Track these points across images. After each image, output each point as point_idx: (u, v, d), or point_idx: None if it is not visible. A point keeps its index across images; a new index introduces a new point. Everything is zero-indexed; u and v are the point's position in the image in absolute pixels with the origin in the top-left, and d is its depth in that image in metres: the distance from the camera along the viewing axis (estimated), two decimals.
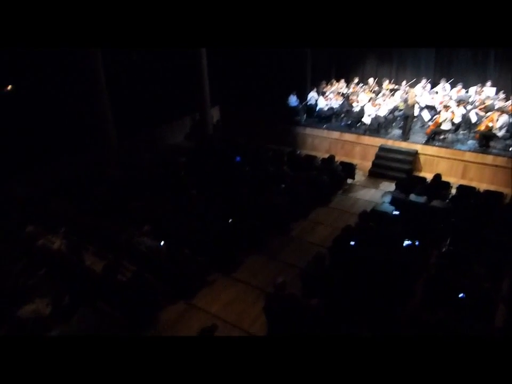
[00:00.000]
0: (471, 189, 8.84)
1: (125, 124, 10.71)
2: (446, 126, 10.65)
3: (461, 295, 5.06)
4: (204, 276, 6.46)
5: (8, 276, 5.63)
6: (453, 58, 12.80)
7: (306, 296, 5.55)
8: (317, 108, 12.89)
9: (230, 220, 7.14)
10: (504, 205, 8.39)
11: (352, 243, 6.30)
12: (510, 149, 10.10)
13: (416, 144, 10.91)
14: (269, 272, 6.63)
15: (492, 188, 9.32)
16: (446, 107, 10.72)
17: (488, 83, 11.87)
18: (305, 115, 13.14)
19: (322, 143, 12.37)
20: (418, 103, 11.48)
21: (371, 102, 11.80)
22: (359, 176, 10.77)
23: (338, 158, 10.63)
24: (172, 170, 9.65)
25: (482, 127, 10.33)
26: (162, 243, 6.32)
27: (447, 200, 8.23)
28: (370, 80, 13.33)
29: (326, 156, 10.43)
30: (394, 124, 12.17)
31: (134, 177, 9.33)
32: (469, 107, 11.18)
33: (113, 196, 8.32)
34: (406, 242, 6.32)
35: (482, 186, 9.44)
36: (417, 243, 6.34)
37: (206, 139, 12.52)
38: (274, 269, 6.76)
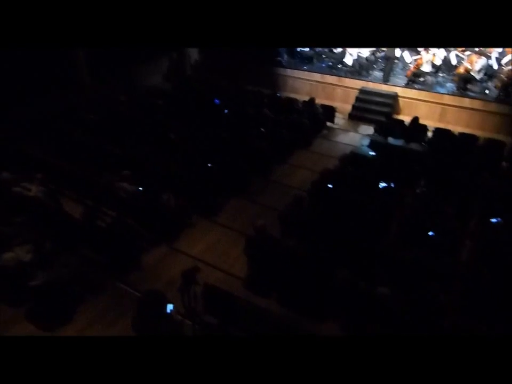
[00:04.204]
0: (447, 132, 8.98)
1: (98, 64, 10.19)
2: (426, 68, 10.56)
3: (430, 233, 5.32)
4: (185, 220, 6.55)
5: None
6: None
7: (285, 238, 5.75)
8: (298, 48, 12.49)
9: (210, 164, 7.11)
10: (477, 147, 8.60)
11: (330, 186, 6.43)
12: (486, 92, 10.18)
13: (396, 87, 10.84)
14: (249, 215, 6.76)
15: (467, 130, 9.50)
16: (427, 48, 10.55)
17: None
18: (286, 56, 12.75)
19: (303, 85, 12.14)
20: None
21: None
22: (339, 119, 10.75)
23: (319, 101, 10.52)
24: (149, 113, 9.40)
25: (461, 70, 10.29)
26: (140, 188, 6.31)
27: (424, 143, 8.37)
28: None
29: (307, 98, 10.30)
30: (375, 65, 11.97)
31: (110, 121, 9.06)
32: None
33: (89, 140, 8.11)
34: (382, 184, 6.48)
35: (458, 129, 9.60)
36: (392, 185, 6.52)
37: (184, 80, 12.10)
38: (254, 211, 6.89)
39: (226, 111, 9.72)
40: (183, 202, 6.48)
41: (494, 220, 5.82)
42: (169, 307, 3.98)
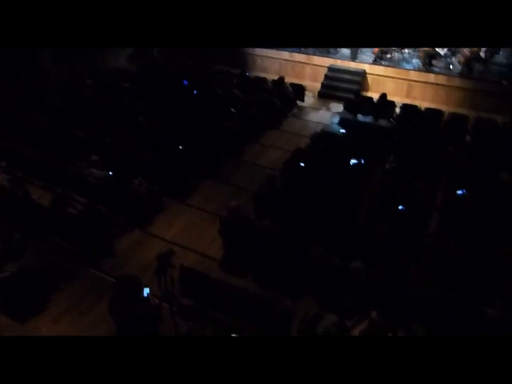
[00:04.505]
0: (413, 108, 9.17)
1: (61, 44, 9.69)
2: None
3: (400, 207, 5.48)
4: (158, 204, 6.48)
5: None
6: None
7: (260, 218, 5.79)
8: None
9: (180, 147, 7.02)
10: (442, 122, 8.84)
11: (302, 164, 6.48)
12: (451, 67, 10.41)
13: (364, 64, 10.92)
14: (222, 197, 6.75)
15: (433, 105, 9.72)
16: None
17: None
18: None
19: (272, 64, 12.04)
20: None
21: None
22: (309, 98, 10.77)
23: (288, 80, 10.46)
24: (116, 96, 9.12)
25: None
26: (110, 173, 6.18)
27: (392, 119, 8.52)
28: None
29: (276, 77, 10.24)
30: None
31: (76, 105, 8.74)
32: None
33: (56, 125, 7.82)
34: (353, 161, 6.59)
35: (424, 104, 9.80)
36: (363, 161, 6.64)
37: (150, 62, 11.75)
38: (227, 193, 6.89)
39: (195, 92, 9.55)
40: (155, 186, 6.39)
41: (459, 192, 6.04)
42: (146, 291, 3.97)
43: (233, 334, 3.96)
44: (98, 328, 4.52)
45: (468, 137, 8.38)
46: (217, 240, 5.65)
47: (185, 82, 10.03)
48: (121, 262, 5.52)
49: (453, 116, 8.96)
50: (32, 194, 6.26)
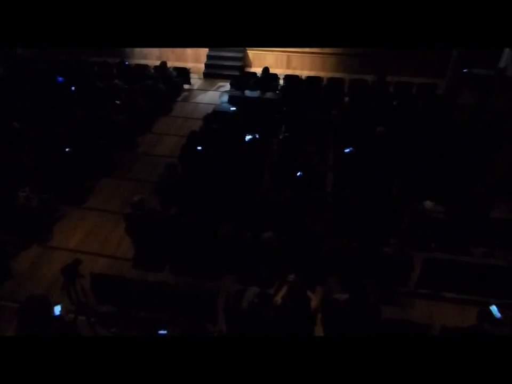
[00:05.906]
0: (295, 77, 9.63)
1: None
2: None
3: (298, 173, 5.80)
4: (53, 213, 5.99)
5: None
6: None
7: (165, 208, 5.69)
8: None
9: (67, 149, 6.50)
10: (322, 87, 9.45)
11: (199, 148, 6.46)
12: None
13: None
14: (123, 193, 6.49)
15: (312, 73, 10.33)
16: None
17: None
18: None
19: (152, 50, 11.59)
20: None
21: None
22: (196, 80, 10.66)
23: (171, 64, 10.23)
24: None
25: None
26: None
27: (277, 91, 8.85)
28: None
29: (158, 62, 9.93)
30: None
31: None
32: None
33: None
34: (248, 137, 6.74)
35: (304, 73, 10.35)
36: (257, 135, 6.83)
37: (15, 60, 10.52)
38: (127, 188, 6.61)
39: (73, 88, 8.84)
40: (46, 195, 5.88)
41: (347, 150, 6.56)
42: (57, 309, 3.69)
43: (161, 330, 3.90)
44: None
45: (346, 98, 9.07)
46: (126, 239, 5.44)
47: (60, 79, 9.21)
48: (22, 284, 5.04)
49: (331, 80, 9.61)
50: None
